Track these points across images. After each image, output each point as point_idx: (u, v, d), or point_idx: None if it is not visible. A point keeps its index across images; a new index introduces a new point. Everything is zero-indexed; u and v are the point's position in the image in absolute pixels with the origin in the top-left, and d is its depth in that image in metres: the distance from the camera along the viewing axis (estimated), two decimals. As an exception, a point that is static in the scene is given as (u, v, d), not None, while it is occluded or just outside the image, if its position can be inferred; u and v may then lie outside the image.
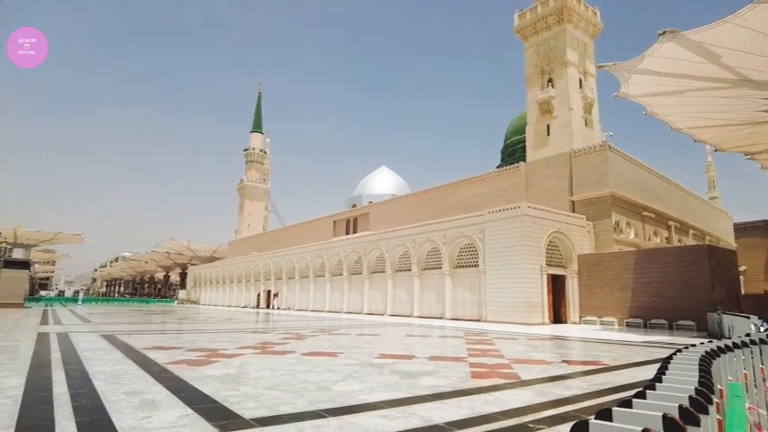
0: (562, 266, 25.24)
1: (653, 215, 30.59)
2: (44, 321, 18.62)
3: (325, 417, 4.34)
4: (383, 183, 63.87)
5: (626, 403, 1.79)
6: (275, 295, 46.11)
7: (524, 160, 34.56)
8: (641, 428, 1.44)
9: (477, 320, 24.32)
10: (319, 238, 47.50)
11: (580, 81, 35.29)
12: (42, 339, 11.28)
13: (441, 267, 27.97)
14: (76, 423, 3.94)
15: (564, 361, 9.21)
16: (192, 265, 75.56)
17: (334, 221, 50.85)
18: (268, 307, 46.32)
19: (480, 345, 12.00)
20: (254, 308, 47.42)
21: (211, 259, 72.54)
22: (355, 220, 48.27)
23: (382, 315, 31.00)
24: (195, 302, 63.55)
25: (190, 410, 4.45)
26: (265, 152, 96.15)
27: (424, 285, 29.33)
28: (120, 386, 5.59)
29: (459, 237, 26.85)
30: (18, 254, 41.70)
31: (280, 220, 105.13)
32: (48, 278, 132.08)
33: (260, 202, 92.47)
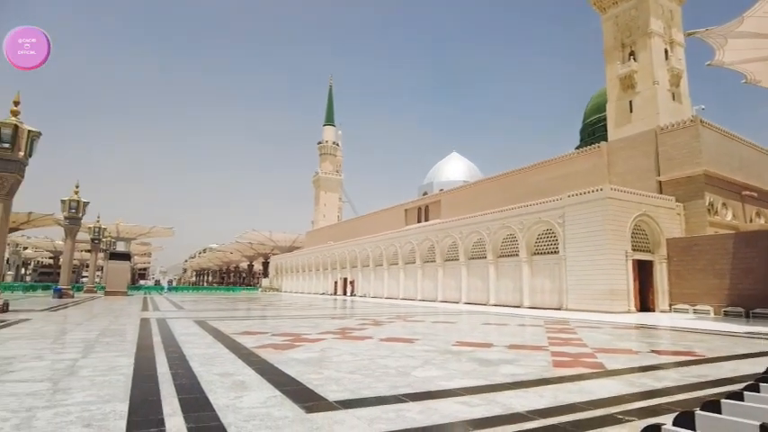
0: (649, 251, 23.71)
1: (755, 194, 27.80)
2: (144, 308, 20.34)
3: (405, 401, 4.40)
4: (454, 169, 63.09)
5: (736, 395, 1.65)
6: (351, 283, 47.26)
7: (605, 140, 32.64)
8: (758, 423, 1.32)
9: (558, 309, 23.51)
10: (391, 227, 47.93)
11: (666, 52, 32.60)
12: (144, 324, 12.33)
13: (517, 255, 27.27)
14: (179, 400, 4.28)
15: (653, 351, 8.68)
16: (273, 254, 79.21)
17: (406, 210, 51.06)
18: (345, 294, 47.59)
19: (561, 333, 11.60)
20: (331, 295, 48.92)
21: (291, 249, 75.55)
22: (426, 207, 48.18)
23: (457, 303, 30.80)
24: (277, 290, 66.60)
25: (277, 392, 4.69)
26: (338, 144, 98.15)
27: (500, 273, 28.74)
28: (213, 368, 5.99)
29: (536, 223, 25.99)
30: (120, 247, 45.76)
31: (353, 209, 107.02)
32: (145, 269, 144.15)
33: (334, 193, 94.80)
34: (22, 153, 15.48)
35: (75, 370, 5.71)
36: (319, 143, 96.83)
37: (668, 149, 26.65)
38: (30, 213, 55.56)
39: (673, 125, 26.95)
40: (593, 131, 46.00)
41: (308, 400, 4.42)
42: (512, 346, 8.86)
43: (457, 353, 7.84)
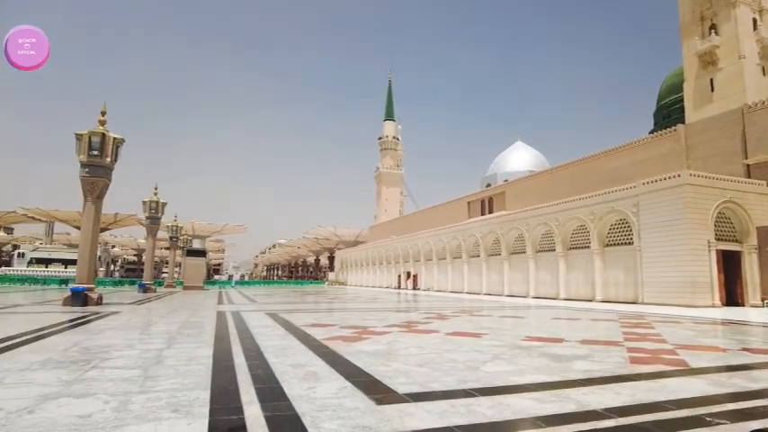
0: (736, 241, 21.98)
1: None
2: (220, 301, 21.46)
3: (475, 396, 4.37)
4: (519, 159, 61.38)
5: None
6: (414, 277, 47.35)
7: (682, 122, 30.49)
8: None
9: (633, 303, 22.36)
10: (454, 220, 47.45)
11: (754, 21, 29.89)
12: (220, 317, 13.03)
13: (588, 246, 26.18)
14: (255, 389, 4.50)
15: (744, 349, 8.05)
16: (338, 248, 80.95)
17: (469, 202, 50.38)
18: (408, 288, 47.77)
19: (638, 328, 11.03)
20: (395, 288, 49.27)
21: (355, 243, 76.84)
22: (490, 199, 47.29)
23: (524, 297, 30.08)
24: (343, 283, 68.04)
25: (348, 383, 4.81)
26: (398, 139, 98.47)
27: (571, 266, 27.72)
28: (286, 359, 6.24)
29: (608, 212, 24.80)
30: (196, 244, 48.47)
31: (414, 203, 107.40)
32: (219, 264, 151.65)
33: (395, 187, 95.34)
34: (109, 159, 16.78)
35: (162, 359, 6.15)
36: (380, 138, 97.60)
37: (758, 129, 24.50)
38: (116, 214, 60.08)
39: (763, 102, 24.72)
40: (669, 114, 43.11)
41: (378, 391, 4.50)
42: (584, 342, 8.54)
43: (527, 348, 7.67)
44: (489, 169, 64.54)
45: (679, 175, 21.19)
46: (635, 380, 5.23)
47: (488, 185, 55.22)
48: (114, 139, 16.96)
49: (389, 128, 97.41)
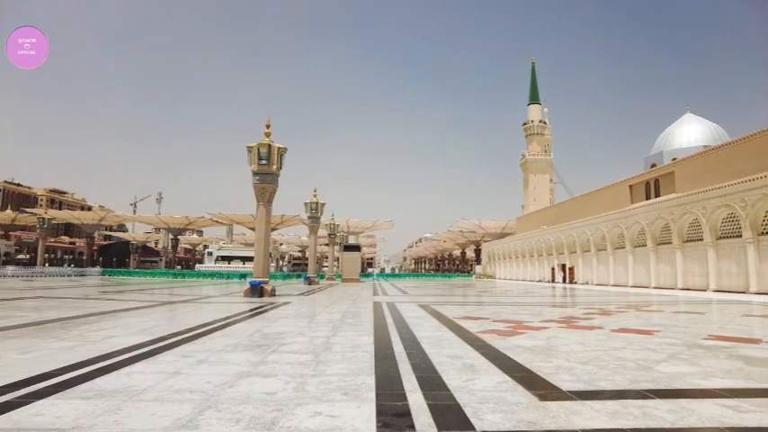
0: None
1: None
2: (375, 293, 22.64)
3: (651, 398, 3.97)
4: (689, 133, 54.04)
5: None
6: (570, 269, 44.61)
7: None
8: None
9: None
10: (614, 206, 43.45)
11: None
12: (377, 307, 13.74)
13: (787, 230, 22.02)
14: (416, 378, 4.66)
15: None
16: (484, 241, 79.81)
17: (631, 186, 45.64)
18: (564, 281, 45.15)
19: None
20: (548, 282, 46.97)
21: (501, 235, 74.95)
22: (656, 181, 42.30)
23: (703, 291, 26.46)
24: (490, 277, 66.91)
25: (507, 377, 4.73)
26: (545, 123, 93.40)
27: (763, 255, 23.60)
28: (442, 350, 6.34)
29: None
30: (351, 240, 51.78)
31: (566, 191, 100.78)
32: (372, 258, 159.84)
33: (543, 174, 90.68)
34: (275, 166, 18.76)
35: (329, 346, 6.70)
36: (524, 124, 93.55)
37: None
38: (282, 215, 67.05)
39: None
40: None
41: (540, 387, 4.34)
42: (790, 344, 7.21)
43: (711, 348, 6.74)
44: (653, 148, 57.87)
45: None
46: None
47: (653, 166, 49.49)
48: (278, 148, 18.89)
49: (535, 112, 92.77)
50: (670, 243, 30.57)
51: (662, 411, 3.58)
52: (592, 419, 3.37)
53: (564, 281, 45.12)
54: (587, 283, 39.91)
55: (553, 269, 48.61)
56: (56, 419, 3.26)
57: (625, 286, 34.18)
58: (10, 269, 42.05)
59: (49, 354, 5.76)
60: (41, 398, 3.79)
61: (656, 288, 30.75)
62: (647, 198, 41.60)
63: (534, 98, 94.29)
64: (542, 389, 4.29)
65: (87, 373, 4.72)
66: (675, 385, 4.50)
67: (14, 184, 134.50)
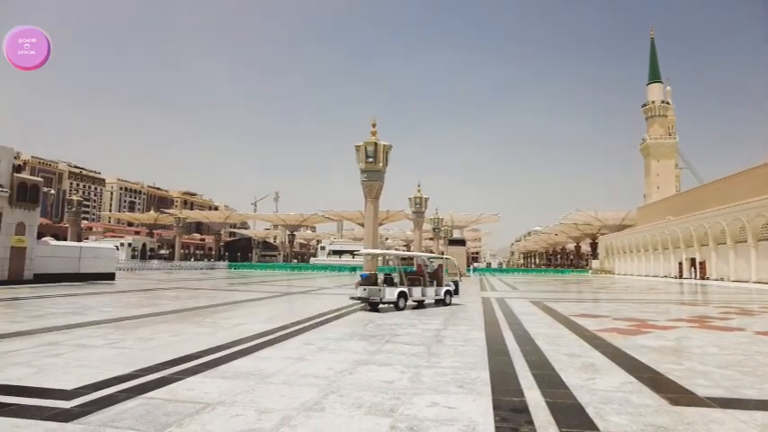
0: None
1: None
2: (482, 288, 22.33)
3: (810, 411, 3.52)
4: None
5: None
6: (701, 264, 40.24)
7: None
8: None
9: None
10: (756, 193, 38.24)
11: None
12: (486, 303, 13.58)
13: None
14: (533, 375, 4.58)
15: None
16: (600, 234, 74.70)
17: (778, 169, 39.85)
18: (694, 277, 40.84)
19: None
20: (675, 278, 42.80)
21: (621, 227, 69.54)
22: (812, 163, 36.49)
23: None
24: (609, 272, 62.52)
25: (632, 378, 4.46)
26: (668, 103, 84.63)
27: None
28: (558, 348, 6.13)
29: None
30: (456, 234, 51.46)
31: (696, 177, 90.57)
32: (477, 252, 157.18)
33: (668, 159, 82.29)
34: (381, 164, 19.26)
35: (441, 338, 6.79)
36: (644, 105, 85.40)
37: None
38: (387, 211, 68.48)
39: None
40: None
41: (671, 391, 4.04)
42: None
43: None
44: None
45: None
46: None
47: (807, 146, 42.74)
48: (384, 146, 19.36)
49: (655, 91, 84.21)
50: (831, 234, 26.27)
51: (825, 426, 3.17)
52: (735, 430, 3.08)
53: (694, 277, 40.77)
54: (722, 280, 35.67)
55: (681, 264, 44.09)
56: (204, 394, 3.73)
57: (772, 283, 30.02)
58: (155, 263, 47.91)
59: (192, 337, 6.55)
60: (191, 375, 4.36)
61: (812, 286, 26.61)
62: (800, 182, 35.99)
63: (655, 76, 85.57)
64: (673, 392, 3.99)
65: (225, 355, 5.30)
66: (842, 398, 3.93)
67: (155, 188, 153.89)
